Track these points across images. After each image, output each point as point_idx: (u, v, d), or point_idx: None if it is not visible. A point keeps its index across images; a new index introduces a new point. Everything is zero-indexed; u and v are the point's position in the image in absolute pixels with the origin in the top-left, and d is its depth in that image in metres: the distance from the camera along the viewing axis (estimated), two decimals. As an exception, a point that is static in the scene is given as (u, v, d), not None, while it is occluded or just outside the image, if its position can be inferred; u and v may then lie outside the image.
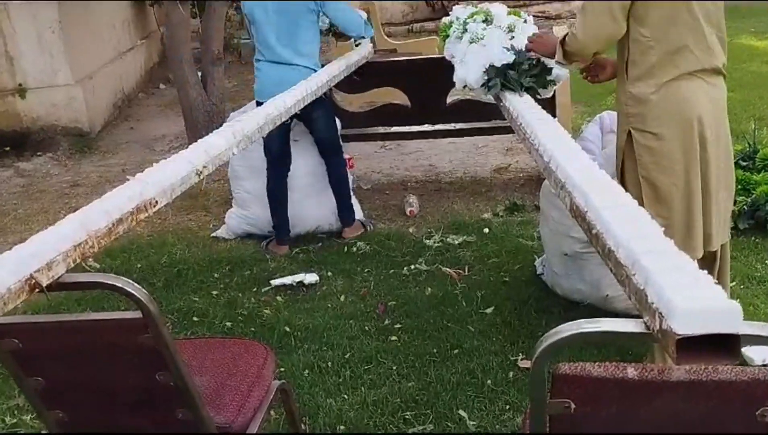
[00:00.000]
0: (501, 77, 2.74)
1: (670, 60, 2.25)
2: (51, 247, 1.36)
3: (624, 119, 2.38)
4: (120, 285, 1.36)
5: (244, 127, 2.20)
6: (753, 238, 3.55)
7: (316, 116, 3.84)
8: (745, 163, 4.04)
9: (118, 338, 1.43)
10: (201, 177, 1.89)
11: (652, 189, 2.32)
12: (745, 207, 3.63)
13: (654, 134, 2.29)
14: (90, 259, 1.58)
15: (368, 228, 4.13)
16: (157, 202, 1.67)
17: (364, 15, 4.20)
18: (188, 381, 1.49)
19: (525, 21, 3.10)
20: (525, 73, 2.73)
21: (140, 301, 1.36)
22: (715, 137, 2.30)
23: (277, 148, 3.81)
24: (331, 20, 3.86)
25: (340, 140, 4.11)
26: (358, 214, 4.17)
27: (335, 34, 4.19)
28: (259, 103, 3.68)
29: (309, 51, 3.75)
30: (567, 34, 2.43)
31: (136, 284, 1.37)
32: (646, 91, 2.28)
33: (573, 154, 1.84)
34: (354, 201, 4.19)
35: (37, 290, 1.31)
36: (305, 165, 4.04)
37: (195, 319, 3.24)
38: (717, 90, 2.33)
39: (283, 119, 2.64)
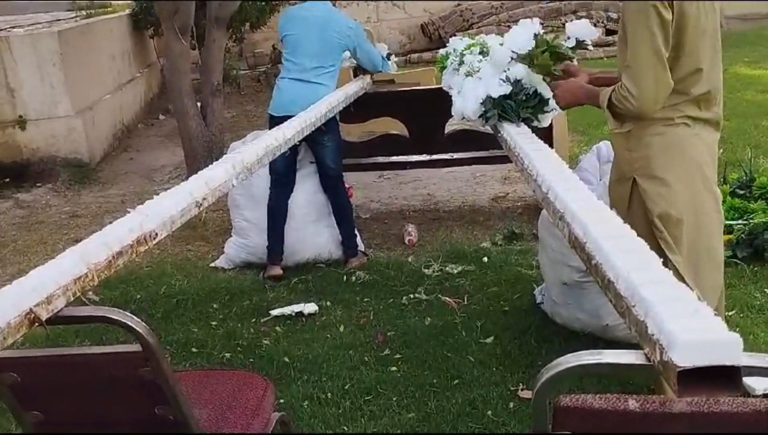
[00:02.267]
0: (498, 109, 2.76)
1: (676, 106, 2.20)
2: (51, 280, 1.36)
3: (627, 166, 2.30)
4: (119, 318, 1.36)
5: (244, 158, 2.22)
6: (751, 266, 3.55)
7: (326, 142, 3.92)
8: (741, 192, 4.07)
9: (118, 372, 1.42)
10: (201, 208, 1.90)
11: (666, 231, 2.24)
12: (743, 235, 3.64)
13: (660, 179, 2.22)
14: (89, 292, 1.58)
15: (369, 257, 4.14)
16: (157, 234, 1.67)
17: (385, 49, 4.54)
18: (188, 414, 1.49)
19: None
20: (522, 103, 2.76)
21: (140, 334, 1.35)
22: (713, 186, 2.29)
23: (282, 166, 3.84)
24: (358, 60, 4.20)
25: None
26: (359, 243, 4.19)
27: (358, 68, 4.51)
28: (271, 117, 3.90)
29: (331, 75, 3.94)
30: (612, 95, 2.25)
31: (135, 317, 1.37)
32: (651, 133, 2.22)
33: (571, 185, 1.85)
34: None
35: (36, 324, 1.31)
36: (304, 194, 4.06)
37: (194, 350, 3.23)
38: (714, 143, 2.30)
39: (282, 150, 2.66)
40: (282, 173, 3.93)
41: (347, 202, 4.13)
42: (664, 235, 2.23)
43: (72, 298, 1.39)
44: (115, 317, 1.36)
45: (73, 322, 1.43)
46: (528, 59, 2.71)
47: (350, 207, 4.17)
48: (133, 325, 1.35)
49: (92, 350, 1.51)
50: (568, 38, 2.75)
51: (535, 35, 2.71)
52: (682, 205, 2.23)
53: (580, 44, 2.74)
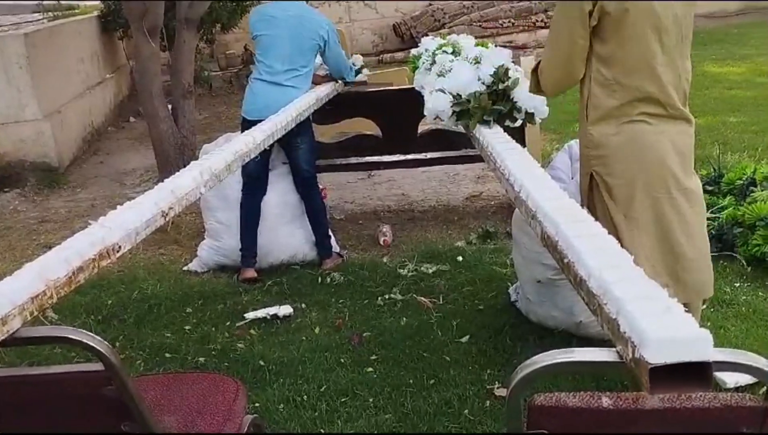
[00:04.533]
0: (467, 113, 2.75)
1: (631, 103, 2.23)
2: (6, 299, 1.29)
3: (586, 162, 2.36)
4: (79, 338, 1.31)
5: (212, 165, 2.17)
6: (721, 261, 3.59)
7: (299, 144, 3.90)
8: (710, 188, 4.12)
9: (81, 391, 1.38)
10: (167, 219, 1.85)
11: (619, 229, 2.28)
12: (712, 231, 3.69)
13: (615, 177, 2.27)
14: (48, 310, 1.51)
15: (344, 258, 4.12)
16: (120, 247, 1.61)
17: (359, 60, 4.55)
18: (155, 429, 1.45)
19: (492, 52, 3.15)
20: (493, 105, 2.75)
21: (101, 353, 1.31)
22: (681, 182, 2.30)
23: (254, 167, 3.80)
24: (325, 60, 4.09)
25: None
26: (333, 245, 4.18)
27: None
28: (244, 120, 3.84)
29: (303, 77, 3.91)
30: (539, 62, 2.42)
31: (96, 337, 1.32)
32: (607, 133, 2.26)
33: (543, 184, 1.86)
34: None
35: None
36: (277, 194, 4.03)
37: (167, 355, 3.19)
38: (682, 136, 2.30)
39: (252, 155, 2.63)
40: (254, 175, 3.90)
41: (321, 204, 4.11)
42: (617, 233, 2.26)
43: (29, 318, 1.32)
44: (75, 337, 1.31)
45: (30, 344, 1.36)
46: (468, 103, 2.73)
47: (324, 208, 4.15)
48: (93, 345, 1.30)
49: (53, 370, 1.44)
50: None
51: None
52: (638, 205, 2.26)
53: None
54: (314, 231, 4.05)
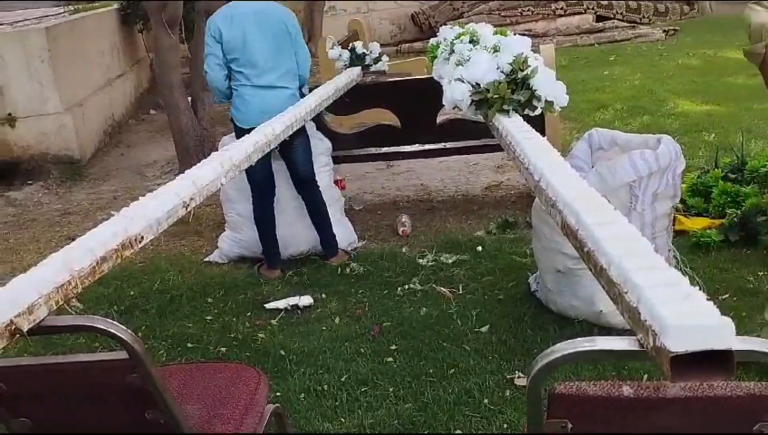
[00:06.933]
0: (486, 102, 2.73)
1: None
2: (32, 289, 1.31)
3: None
4: (103, 327, 1.32)
5: (233, 156, 2.18)
6: (744, 250, 3.56)
7: (297, 144, 3.77)
8: (734, 176, 4.08)
9: (106, 379, 1.40)
10: (188, 209, 1.86)
11: None
12: (735, 219, 3.65)
13: None
14: (73, 300, 1.51)
15: (350, 254, 4.07)
16: (143, 237, 1.62)
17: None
18: (178, 417, 1.47)
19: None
20: (512, 94, 2.73)
21: (125, 341, 1.32)
22: None
23: (261, 174, 3.76)
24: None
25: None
26: (351, 235, 4.18)
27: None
28: (240, 129, 3.61)
29: (292, 74, 3.78)
30: None
31: (120, 325, 1.34)
32: None
33: (563, 172, 1.84)
34: (346, 222, 4.22)
35: (18, 336, 1.25)
36: (292, 187, 4.00)
37: (189, 345, 3.22)
38: None
39: (272, 147, 2.63)
40: (263, 182, 3.82)
41: (323, 202, 3.99)
42: None
43: (54, 307, 1.34)
44: (99, 326, 1.33)
45: (57, 332, 1.38)
46: (486, 93, 2.69)
47: (325, 205, 4.01)
48: (117, 333, 1.31)
49: (78, 358, 1.46)
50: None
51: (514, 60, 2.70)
52: None
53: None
54: (318, 230, 3.97)
